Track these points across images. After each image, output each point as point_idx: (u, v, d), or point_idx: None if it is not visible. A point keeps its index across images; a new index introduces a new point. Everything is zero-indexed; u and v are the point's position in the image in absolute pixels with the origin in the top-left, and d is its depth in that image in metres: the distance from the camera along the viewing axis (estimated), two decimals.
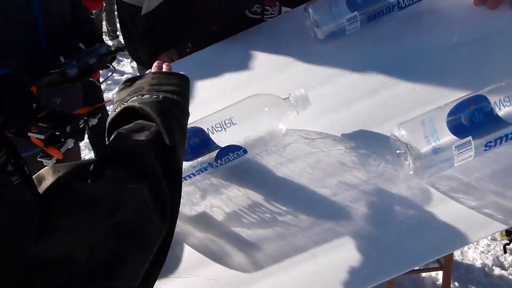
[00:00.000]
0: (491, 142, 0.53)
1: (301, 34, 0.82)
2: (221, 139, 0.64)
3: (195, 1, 1.05)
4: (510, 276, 1.92)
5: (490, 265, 1.98)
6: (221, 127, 0.64)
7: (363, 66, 0.74)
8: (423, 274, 1.85)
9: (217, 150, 0.65)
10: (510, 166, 0.56)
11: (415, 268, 2.10)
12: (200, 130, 0.65)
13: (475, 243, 2.03)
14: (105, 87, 3.66)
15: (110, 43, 4.40)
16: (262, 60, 0.84)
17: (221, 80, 0.84)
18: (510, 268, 1.94)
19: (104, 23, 4.34)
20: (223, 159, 0.66)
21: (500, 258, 1.97)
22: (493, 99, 0.54)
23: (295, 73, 0.79)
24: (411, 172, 0.58)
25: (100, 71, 1.48)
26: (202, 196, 0.68)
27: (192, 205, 0.67)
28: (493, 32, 0.69)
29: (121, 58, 4.21)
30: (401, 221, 0.57)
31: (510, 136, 0.53)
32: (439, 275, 1.76)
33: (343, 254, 0.56)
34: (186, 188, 0.69)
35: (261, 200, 0.64)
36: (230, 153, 0.65)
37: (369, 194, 0.60)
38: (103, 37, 4.69)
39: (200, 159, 0.66)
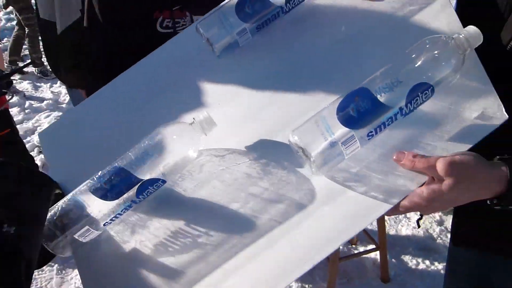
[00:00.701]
0: (371, 132, 0.60)
1: (198, 51, 0.82)
2: (143, 171, 0.66)
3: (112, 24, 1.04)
4: (439, 245, 2.06)
5: (422, 238, 2.13)
6: (140, 160, 0.67)
7: (260, 76, 0.77)
8: (363, 256, 1.94)
9: (137, 186, 0.66)
10: (392, 148, 0.63)
11: (355, 252, 2.22)
12: (120, 169, 0.66)
13: (407, 220, 2.17)
14: (23, 116, 3.43)
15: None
16: (165, 83, 0.83)
17: (129, 112, 0.83)
18: (439, 238, 2.10)
19: (28, 51, 4.08)
20: (144, 193, 0.67)
21: (429, 231, 2.12)
22: (373, 88, 0.60)
23: (198, 93, 0.80)
24: (312, 172, 0.63)
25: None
26: (132, 232, 0.69)
27: (123, 243, 0.68)
28: (370, 23, 0.75)
29: (39, 84, 3.97)
30: (312, 217, 0.62)
31: (387, 123, 0.59)
32: (377, 255, 1.86)
33: (264, 258, 0.61)
34: (117, 227, 0.70)
35: (182, 225, 0.66)
36: (149, 187, 0.67)
37: (274, 200, 0.65)
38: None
39: (125, 195, 0.66)
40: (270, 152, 0.69)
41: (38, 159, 2.88)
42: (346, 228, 0.60)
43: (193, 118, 0.69)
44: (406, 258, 2.00)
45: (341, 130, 0.59)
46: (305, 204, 0.63)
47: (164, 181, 0.67)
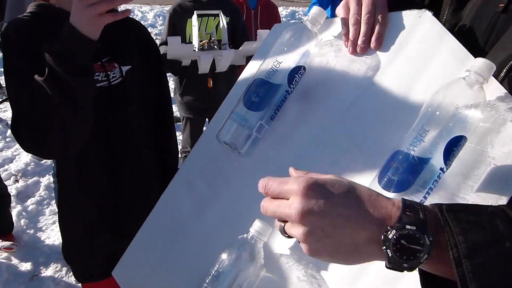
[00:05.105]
0: (422, 200, 0.59)
1: (227, 155, 0.84)
2: None
3: None
4: None
5: None
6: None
7: (289, 163, 0.76)
8: None
9: None
10: None
11: None
12: None
13: None
14: (3, 145, 3.53)
15: None
16: (206, 196, 0.86)
17: (178, 234, 0.89)
18: None
19: None
20: None
21: None
22: (405, 147, 0.60)
23: (241, 199, 0.82)
24: None
25: None
26: None
27: None
28: (374, 77, 0.74)
29: None
30: None
31: (433, 186, 0.59)
32: None
33: None
34: None
35: None
36: None
37: None
38: None
39: None
40: None
41: (14, 188, 2.93)
42: None
43: (249, 230, 0.72)
44: None
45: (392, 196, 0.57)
46: None
47: None
